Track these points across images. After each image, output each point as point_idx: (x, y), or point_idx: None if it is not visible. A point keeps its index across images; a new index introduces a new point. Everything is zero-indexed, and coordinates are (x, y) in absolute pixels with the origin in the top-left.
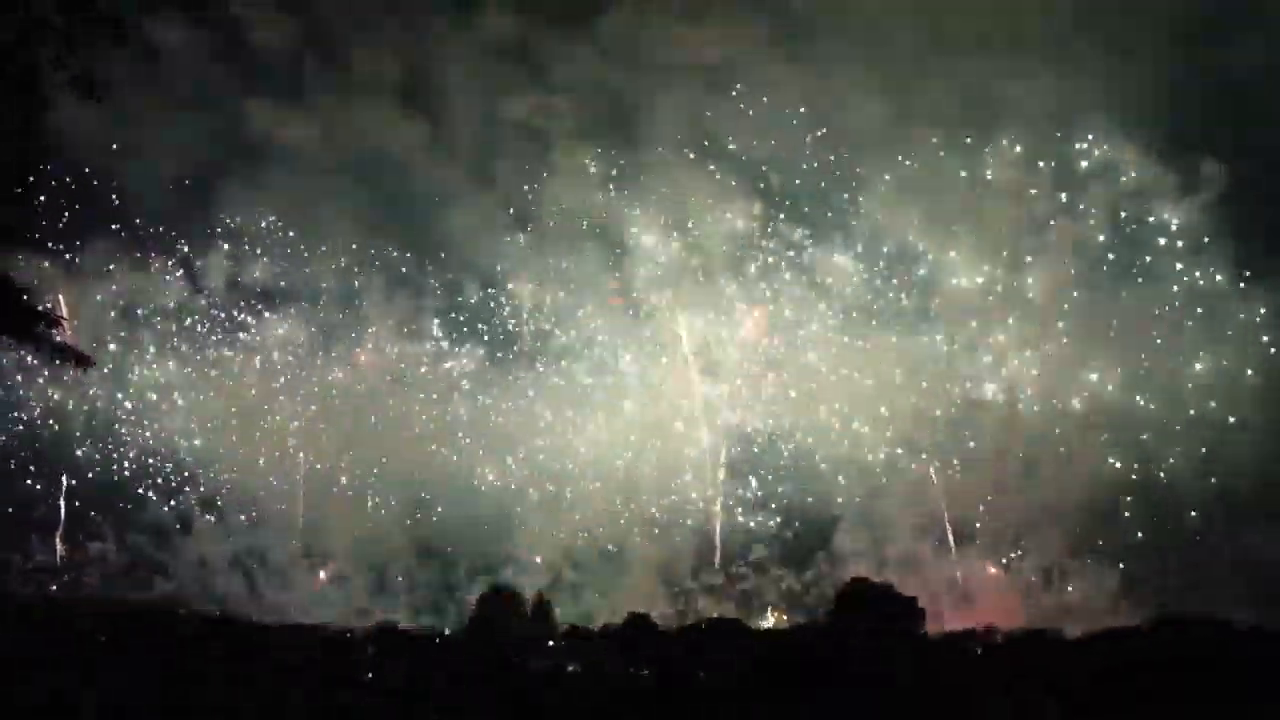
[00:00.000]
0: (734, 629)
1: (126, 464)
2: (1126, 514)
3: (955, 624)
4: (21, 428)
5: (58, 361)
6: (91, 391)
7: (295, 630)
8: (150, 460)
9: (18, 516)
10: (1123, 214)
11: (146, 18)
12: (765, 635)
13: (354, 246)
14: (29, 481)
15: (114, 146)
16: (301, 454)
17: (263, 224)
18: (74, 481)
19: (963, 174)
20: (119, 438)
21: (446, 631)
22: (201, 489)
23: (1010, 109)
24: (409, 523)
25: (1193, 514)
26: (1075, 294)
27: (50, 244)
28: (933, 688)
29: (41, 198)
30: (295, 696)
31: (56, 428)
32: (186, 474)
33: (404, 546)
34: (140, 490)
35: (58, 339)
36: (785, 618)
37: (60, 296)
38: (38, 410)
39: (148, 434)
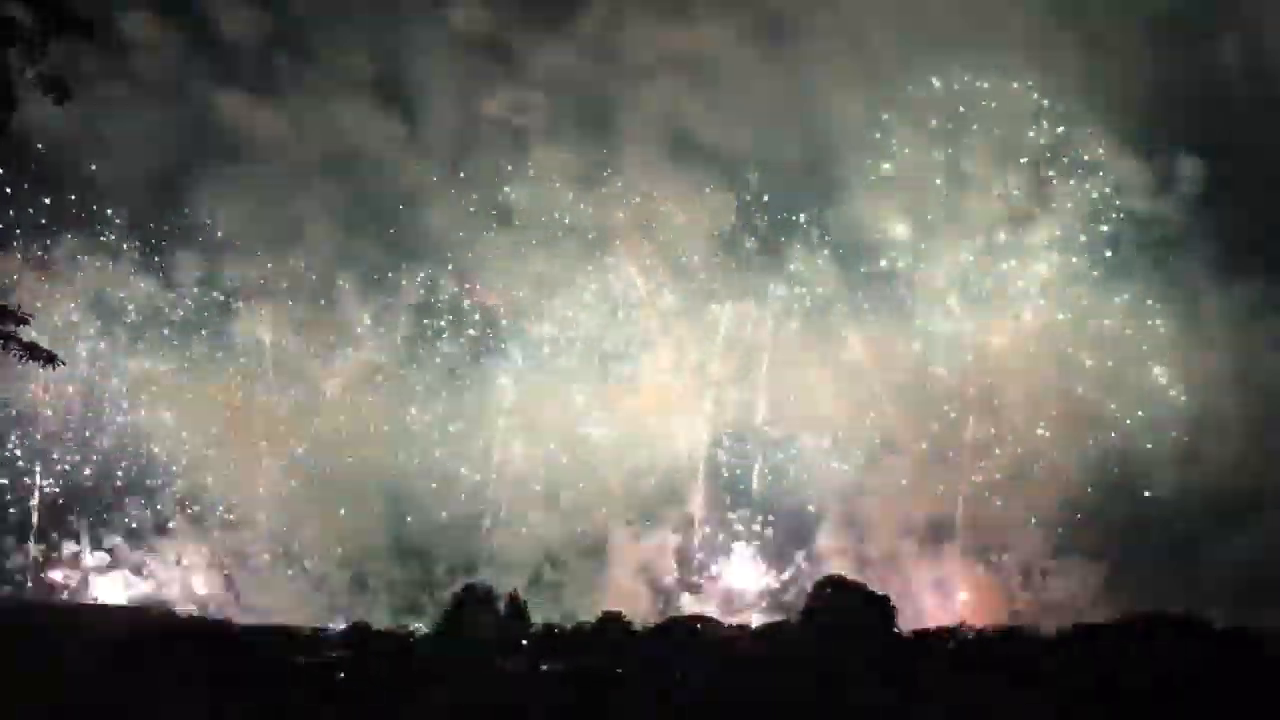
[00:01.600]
0: (706, 627)
1: (100, 464)
2: (1108, 512)
3: (936, 622)
4: None
5: (25, 360)
6: (64, 389)
7: (264, 631)
8: (124, 460)
9: None
10: (1100, 211)
11: (117, 12)
12: (736, 634)
13: (328, 243)
14: None
15: (83, 140)
16: (278, 453)
17: (235, 220)
18: (46, 481)
19: (941, 170)
20: (92, 436)
21: (419, 630)
22: (177, 489)
23: (989, 105)
24: (387, 522)
25: (1174, 512)
26: (1053, 290)
27: (17, 239)
28: (900, 685)
29: (9, 190)
30: (263, 698)
31: (27, 426)
32: (161, 474)
33: (383, 545)
34: (115, 491)
35: (25, 337)
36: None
37: (28, 293)
38: (7, 409)
39: (121, 433)
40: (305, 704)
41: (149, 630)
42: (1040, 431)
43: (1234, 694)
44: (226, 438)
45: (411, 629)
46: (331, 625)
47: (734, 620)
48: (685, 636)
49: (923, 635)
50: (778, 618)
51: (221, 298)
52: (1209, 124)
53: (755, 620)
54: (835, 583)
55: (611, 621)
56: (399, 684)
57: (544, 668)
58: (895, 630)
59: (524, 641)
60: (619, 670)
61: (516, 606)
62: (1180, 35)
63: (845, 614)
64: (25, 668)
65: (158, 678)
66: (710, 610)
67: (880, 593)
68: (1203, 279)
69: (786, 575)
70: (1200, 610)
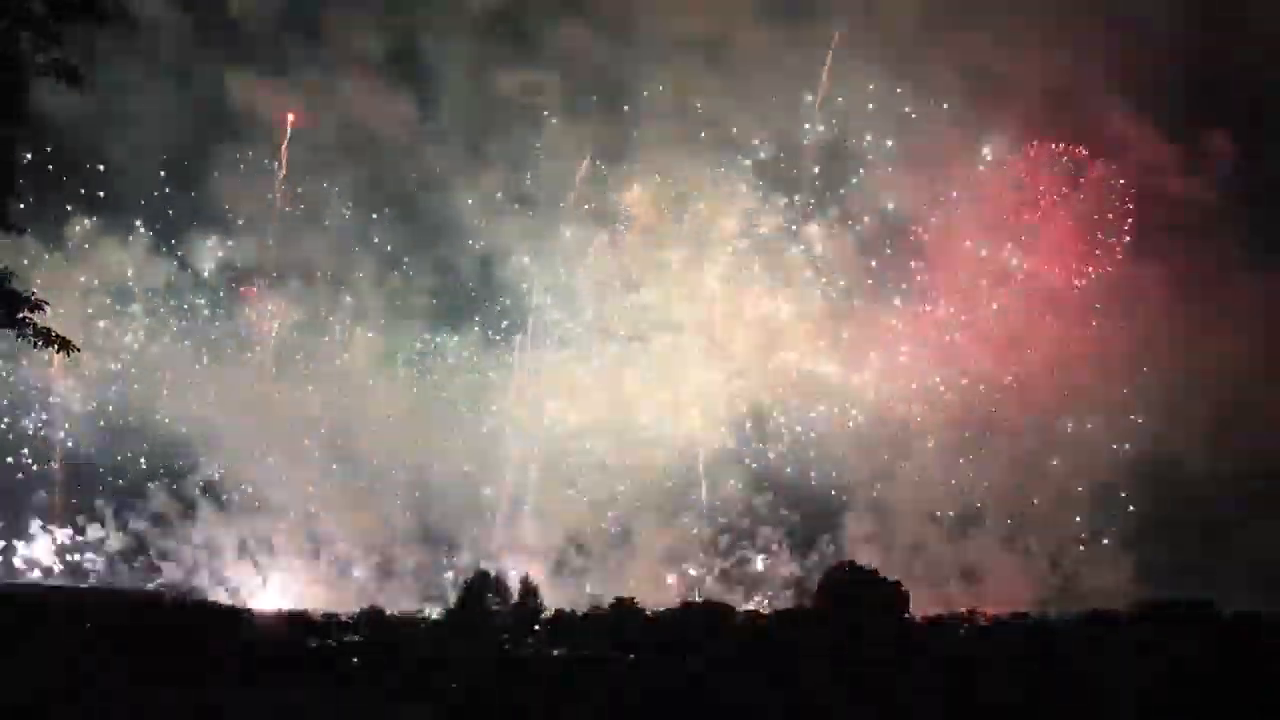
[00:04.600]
0: (719, 613)
1: (123, 447)
2: (1138, 499)
3: (959, 609)
4: (13, 412)
5: (39, 346)
6: (84, 374)
7: (279, 615)
8: (146, 444)
9: (15, 502)
10: (1130, 189)
11: None
12: (749, 620)
13: (343, 224)
14: (22, 468)
15: (96, 122)
16: (301, 438)
17: (249, 201)
18: (74, 467)
19: (963, 149)
20: (112, 421)
21: (432, 616)
22: (201, 474)
23: (1013, 83)
24: (413, 508)
25: (1204, 499)
26: (1081, 269)
27: (32, 223)
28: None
29: (23, 173)
30: (278, 684)
31: (48, 413)
32: (185, 458)
33: (409, 531)
34: (139, 475)
35: (40, 323)
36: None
37: (43, 277)
38: (28, 393)
39: (142, 417)
40: (318, 687)
41: (163, 614)
42: (1069, 416)
43: (1239, 678)
44: (247, 421)
45: (425, 614)
46: (345, 610)
47: (751, 606)
48: (697, 622)
49: (935, 621)
50: (804, 603)
51: (239, 279)
52: (1242, 102)
53: (774, 606)
54: (848, 568)
55: (625, 607)
56: (410, 668)
57: (555, 652)
58: (907, 616)
59: (535, 626)
60: (630, 655)
61: (529, 591)
62: (1210, 14)
63: (857, 599)
64: (47, 650)
65: (171, 660)
66: (735, 597)
67: (893, 579)
68: (1232, 261)
69: (810, 561)
70: (1229, 597)
